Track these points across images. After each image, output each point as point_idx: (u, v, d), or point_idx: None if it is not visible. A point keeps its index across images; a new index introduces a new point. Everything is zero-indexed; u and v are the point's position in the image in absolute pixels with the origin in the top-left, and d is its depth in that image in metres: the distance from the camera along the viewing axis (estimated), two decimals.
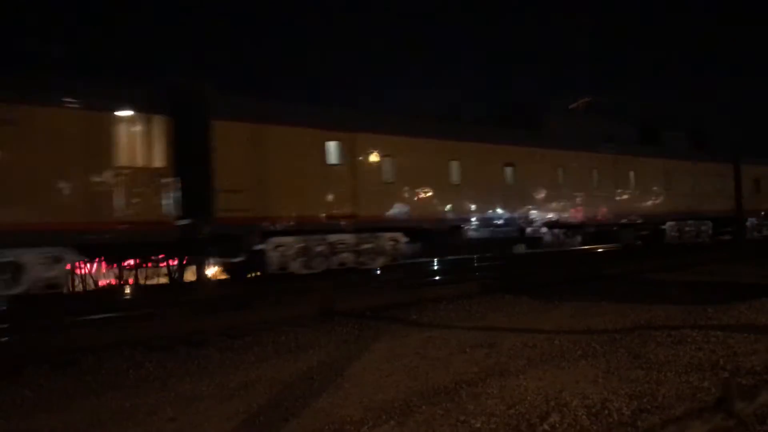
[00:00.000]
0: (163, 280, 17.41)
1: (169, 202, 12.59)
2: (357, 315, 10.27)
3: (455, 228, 17.38)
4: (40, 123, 11.24)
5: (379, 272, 16.46)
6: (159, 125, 12.63)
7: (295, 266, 14.51)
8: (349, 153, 15.44)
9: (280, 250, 14.25)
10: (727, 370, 5.60)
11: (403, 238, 16.40)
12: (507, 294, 12.03)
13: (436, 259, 19.37)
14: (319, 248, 14.94)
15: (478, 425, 4.50)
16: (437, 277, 15.77)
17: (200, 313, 10.58)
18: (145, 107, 12.49)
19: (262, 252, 13.93)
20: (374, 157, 15.95)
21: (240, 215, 13.37)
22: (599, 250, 22.27)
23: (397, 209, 16.19)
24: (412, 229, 16.50)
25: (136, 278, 16.73)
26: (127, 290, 15.20)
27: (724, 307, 8.91)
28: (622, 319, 8.69)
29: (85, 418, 5.36)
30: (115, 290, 13.66)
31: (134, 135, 12.36)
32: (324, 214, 14.94)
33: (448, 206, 17.32)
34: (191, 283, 14.66)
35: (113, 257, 14.02)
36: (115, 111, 12.14)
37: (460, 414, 4.76)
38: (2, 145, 10.89)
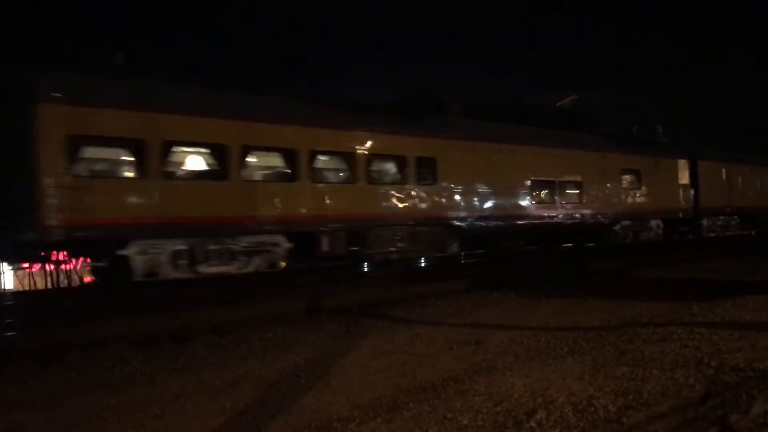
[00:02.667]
0: None
1: None
2: (344, 312, 10.26)
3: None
4: None
5: (366, 269, 16.43)
6: None
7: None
8: None
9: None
10: (712, 367, 5.65)
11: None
12: (494, 291, 12.05)
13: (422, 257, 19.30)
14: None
15: (465, 422, 4.51)
16: (425, 274, 15.75)
17: (186, 310, 10.51)
18: None
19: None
20: None
21: None
22: (588, 245, 22.18)
23: None
24: None
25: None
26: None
27: (709, 304, 8.98)
28: (608, 316, 8.74)
29: (70, 415, 5.32)
30: (99, 286, 13.55)
31: None
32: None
33: None
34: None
35: None
36: None
37: (447, 411, 4.77)
38: None
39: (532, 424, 4.41)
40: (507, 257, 19.07)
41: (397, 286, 13.06)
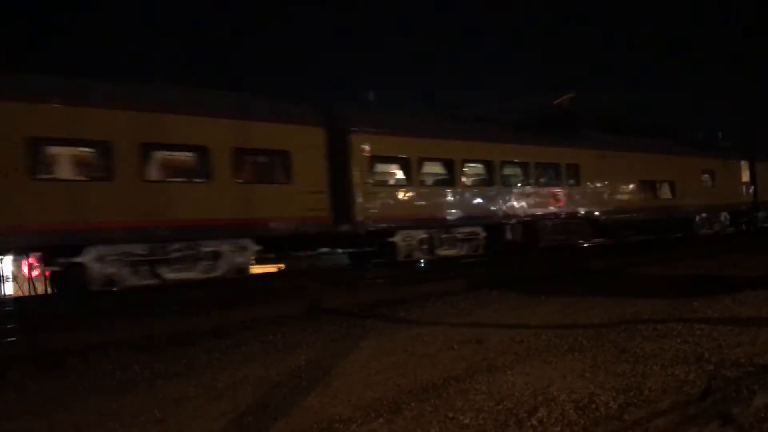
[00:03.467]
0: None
1: None
2: (345, 313, 10.26)
3: None
4: None
5: (366, 270, 16.45)
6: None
7: None
8: None
9: None
10: (713, 363, 5.65)
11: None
12: (494, 290, 12.06)
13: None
14: None
15: (467, 421, 4.51)
16: (425, 274, 15.75)
17: (186, 313, 10.51)
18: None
19: None
20: None
21: None
22: (585, 245, 22.31)
23: None
24: None
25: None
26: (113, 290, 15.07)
27: (708, 300, 8.98)
28: (608, 313, 8.74)
29: (71, 419, 5.32)
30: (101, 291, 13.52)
31: None
32: None
33: None
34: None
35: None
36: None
37: (448, 410, 4.77)
38: None
39: (534, 422, 4.40)
40: (504, 256, 19.10)
41: (397, 286, 13.07)
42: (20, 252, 12.26)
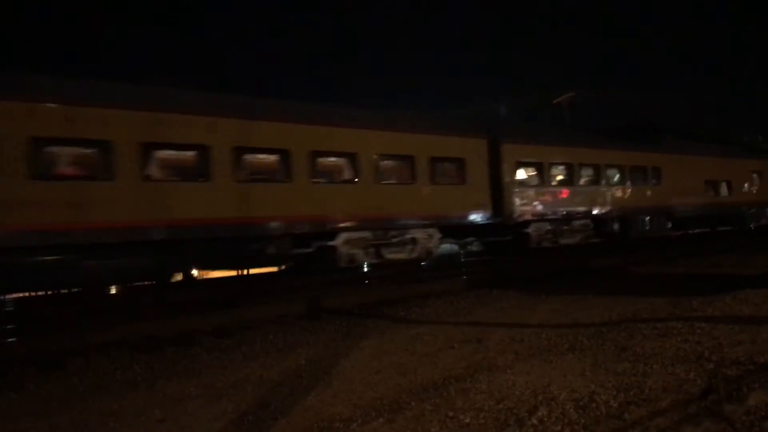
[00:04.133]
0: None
1: None
2: (345, 312, 10.27)
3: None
4: None
5: (366, 270, 16.48)
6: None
7: None
8: None
9: None
10: (713, 361, 5.65)
11: None
12: (494, 289, 12.07)
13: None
14: None
15: (467, 420, 4.52)
16: (425, 274, 15.76)
17: (187, 313, 10.52)
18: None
19: None
20: None
21: None
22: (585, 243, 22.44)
23: None
24: None
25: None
26: (113, 291, 15.10)
27: (708, 299, 8.98)
28: (608, 312, 8.75)
29: (72, 420, 5.33)
30: (101, 291, 13.54)
31: None
32: None
33: None
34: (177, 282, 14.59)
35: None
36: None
37: (449, 410, 4.77)
38: None
39: (534, 421, 4.41)
40: (504, 255, 19.14)
41: (397, 286, 13.08)
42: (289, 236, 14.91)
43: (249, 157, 13.99)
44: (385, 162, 16.50)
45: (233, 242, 13.77)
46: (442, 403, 4.98)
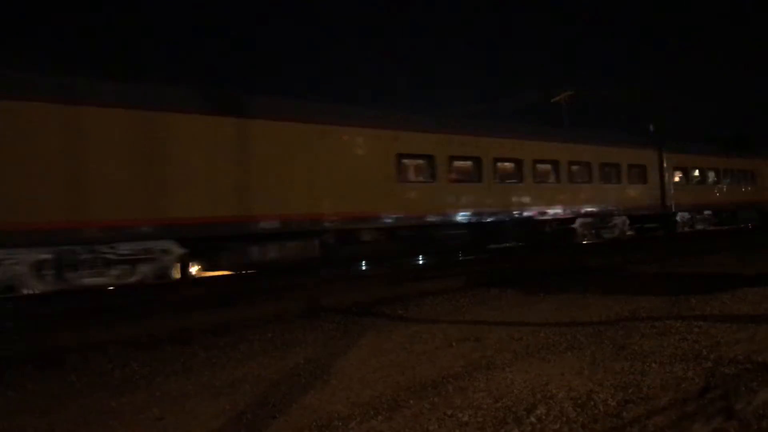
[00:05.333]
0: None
1: None
2: (343, 311, 10.26)
3: None
4: None
5: (364, 267, 16.49)
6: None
7: None
8: None
9: None
10: (711, 360, 5.66)
11: None
12: (492, 287, 12.07)
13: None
14: None
15: (466, 419, 4.52)
16: (423, 272, 15.79)
17: (185, 311, 10.52)
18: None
19: None
20: None
21: None
22: (583, 242, 22.48)
23: None
24: None
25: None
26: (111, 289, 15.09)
27: (707, 298, 9.01)
28: (606, 311, 8.76)
29: (70, 418, 5.32)
30: (99, 289, 13.52)
31: None
32: None
33: None
34: (176, 280, 14.59)
35: None
36: None
37: (447, 408, 4.77)
38: None
39: (533, 419, 4.41)
40: (502, 254, 19.15)
41: (396, 284, 13.08)
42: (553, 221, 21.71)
43: (500, 165, 19.48)
44: (606, 169, 23.31)
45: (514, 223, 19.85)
46: (441, 401, 4.98)
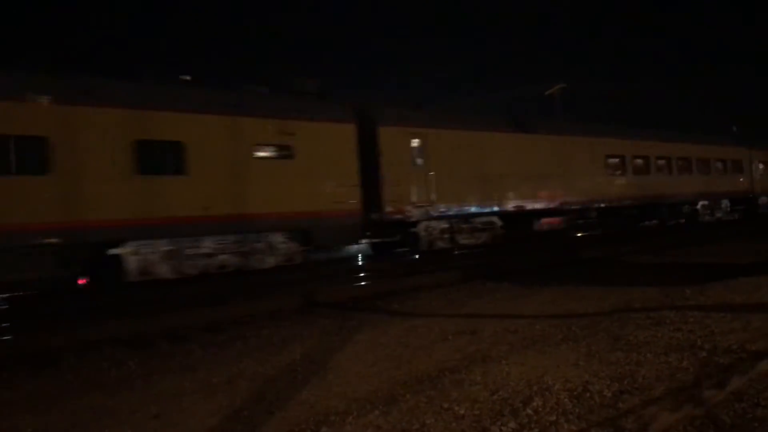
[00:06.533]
0: None
1: None
2: (338, 306, 10.27)
3: None
4: None
5: (360, 263, 16.50)
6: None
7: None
8: None
9: None
10: (705, 350, 5.69)
11: None
12: (487, 281, 12.10)
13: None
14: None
15: (462, 412, 4.53)
16: (418, 267, 15.80)
17: (181, 309, 10.50)
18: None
19: None
20: None
21: None
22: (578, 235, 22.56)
23: None
24: None
25: None
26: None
27: (701, 288, 9.03)
28: (601, 302, 8.78)
29: (67, 418, 5.31)
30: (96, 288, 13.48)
31: None
32: None
33: None
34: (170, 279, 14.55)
35: None
36: None
37: (443, 401, 4.78)
38: None
39: (529, 411, 4.43)
40: (497, 247, 19.19)
41: (391, 279, 13.09)
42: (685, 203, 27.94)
43: (658, 162, 25.78)
44: (718, 163, 29.40)
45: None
46: (437, 394, 4.99)
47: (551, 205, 20.69)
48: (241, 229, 13.41)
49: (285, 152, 14.19)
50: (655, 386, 4.77)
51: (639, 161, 24.90)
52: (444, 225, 17.56)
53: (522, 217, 19.76)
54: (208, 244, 13.08)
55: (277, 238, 14.10)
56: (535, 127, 20.92)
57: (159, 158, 12.58)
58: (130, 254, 12.10)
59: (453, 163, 17.56)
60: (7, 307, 11.71)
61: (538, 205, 20.23)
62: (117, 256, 12.03)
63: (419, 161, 16.85)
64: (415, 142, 16.79)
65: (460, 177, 17.75)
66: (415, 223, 16.80)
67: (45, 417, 5.38)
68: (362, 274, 14.48)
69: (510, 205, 19.23)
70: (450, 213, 17.59)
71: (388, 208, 16.02)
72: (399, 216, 16.30)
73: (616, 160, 23.91)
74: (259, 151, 13.83)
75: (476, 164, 18.21)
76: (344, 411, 4.80)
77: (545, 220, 20.83)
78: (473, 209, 18.28)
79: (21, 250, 10.82)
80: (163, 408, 5.35)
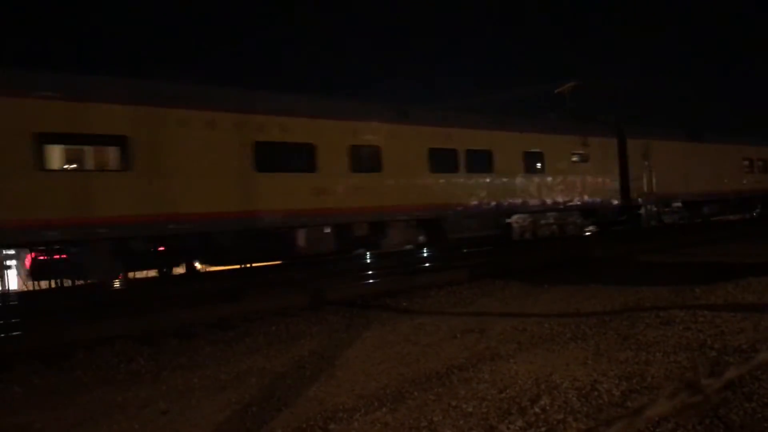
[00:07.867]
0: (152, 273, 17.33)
1: None
2: (347, 304, 10.29)
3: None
4: None
5: (369, 261, 16.51)
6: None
7: None
8: None
9: None
10: (715, 349, 5.66)
11: None
12: (496, 279, 12.08)
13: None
14: None
15: (470, 410, 4.53)
16: (427, 264, 15.80)
17: (190, 306, 10.55)
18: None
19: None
20: None
21: None
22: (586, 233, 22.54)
23: None
24: None
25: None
26: (117, 284, 15.14)
27: (711, 287, 8.98)
28: (610, 301, 8.75)
29: (77, 413, 5.35)
30: (104, 285, 13.58)
31: None
32: None
33: None
34: (180, 276, 14.63)
35: None
36: None
37: (451, 399, 4.78)
38: None
39: (537, 410, 4.42)
40: (507, 245, 19.14)
41: (400, 277, 13.09)
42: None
43: (758, 164, 30.46)
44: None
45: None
46: (445, 392, 4.99)
47: (711, 196, 27.12)
48: (561, 210, 20.41)
49: (584, 158, 21.11)
50: (664, 386, 4.75)
51: (760, 163, 31.15)
52: (655, 209, 23.96)
53: (694, 204, 26.21)
54: (550, 216, 20.28)
55: (577, 216, 21.07)
56: (705, 138, 27.42)
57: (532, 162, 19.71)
58: (515, 222, 19.06)
59: (663, 163, 24.00)
60: (16, 303, 11.82)
61: (704, 195, 26.67)
62: (508, 224, 18.90)
63: (645, 162, 23.37)
64: (644, 149, 23.26)
65: (667, 173, 24.15)
66: (639, 206, 23.22)
67: (54, 412, 5.43)
68: (371, 272, 14.52)
69: (690, 195, 25.58)
70: (660, 200, 24.08)
71: (633, 195, 22.79)
72: (636, 201, 23.01)
73: (748, 162, 30.25)
74: (573, 156, 20.77)
75: (676, 164, 24.83)
76: (352, 408, 4.82)
77: (707, 207, 27.47)
78: (673, 197, 25.02)
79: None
80: (173, 403, 5.39)
